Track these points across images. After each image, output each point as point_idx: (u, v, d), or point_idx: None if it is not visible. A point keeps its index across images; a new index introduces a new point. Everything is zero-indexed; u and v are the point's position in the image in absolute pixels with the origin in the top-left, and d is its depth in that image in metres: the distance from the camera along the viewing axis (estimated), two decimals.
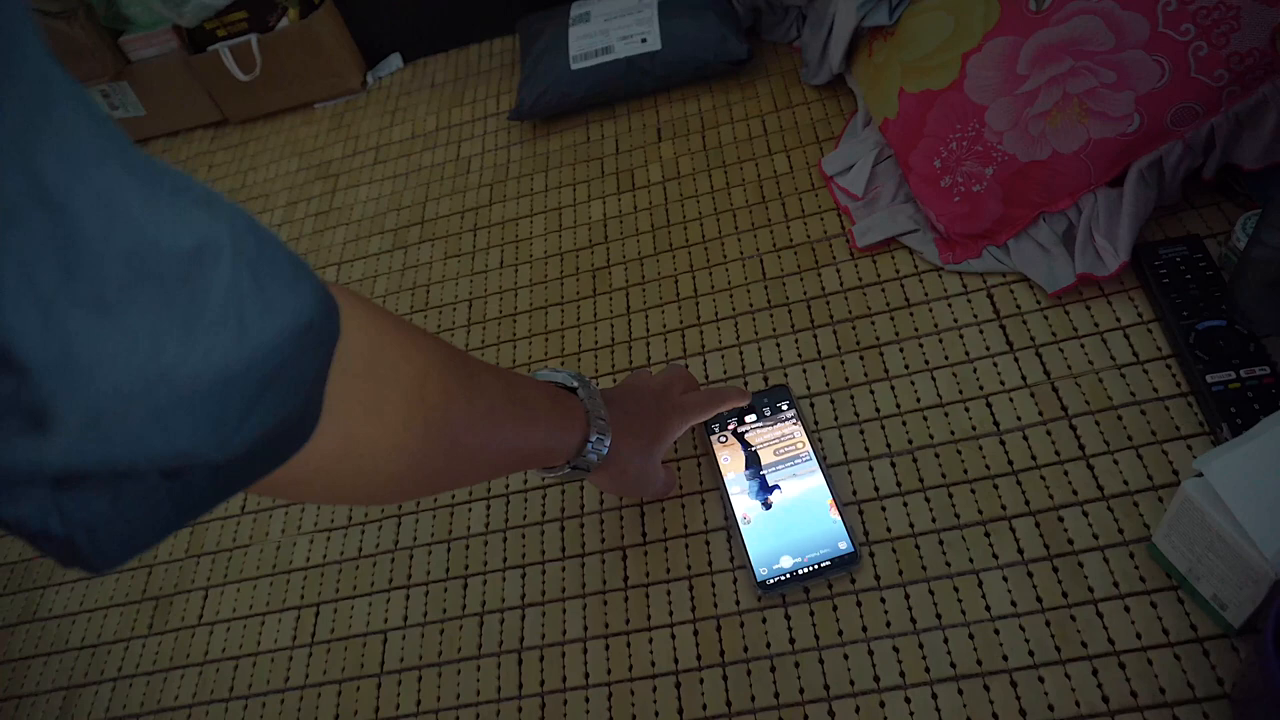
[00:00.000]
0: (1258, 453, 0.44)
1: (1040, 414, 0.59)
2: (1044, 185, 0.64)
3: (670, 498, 0.63)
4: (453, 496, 0.69)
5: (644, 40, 0.92)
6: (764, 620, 0.56)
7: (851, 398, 0.64)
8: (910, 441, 0.61)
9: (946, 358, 0.64)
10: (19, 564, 0.77)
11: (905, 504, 0.58)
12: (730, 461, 0.62)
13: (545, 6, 1.04)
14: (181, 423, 0.25)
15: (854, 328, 0.68)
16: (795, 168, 0.82)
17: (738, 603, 0.57)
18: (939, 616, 0.53)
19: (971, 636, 0.52)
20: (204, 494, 0.28)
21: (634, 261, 0.80)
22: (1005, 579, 0.53)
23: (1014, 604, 0.52)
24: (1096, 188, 0.63)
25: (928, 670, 0.52)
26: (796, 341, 0.69)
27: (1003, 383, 0.62)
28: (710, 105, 0.92)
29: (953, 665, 0.51)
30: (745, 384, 0.68)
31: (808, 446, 0.61)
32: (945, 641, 0.52)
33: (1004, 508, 0.56)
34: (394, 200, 0.97)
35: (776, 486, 0.60)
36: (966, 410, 0.61)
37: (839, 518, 0.58)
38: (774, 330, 0.70)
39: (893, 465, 0.60)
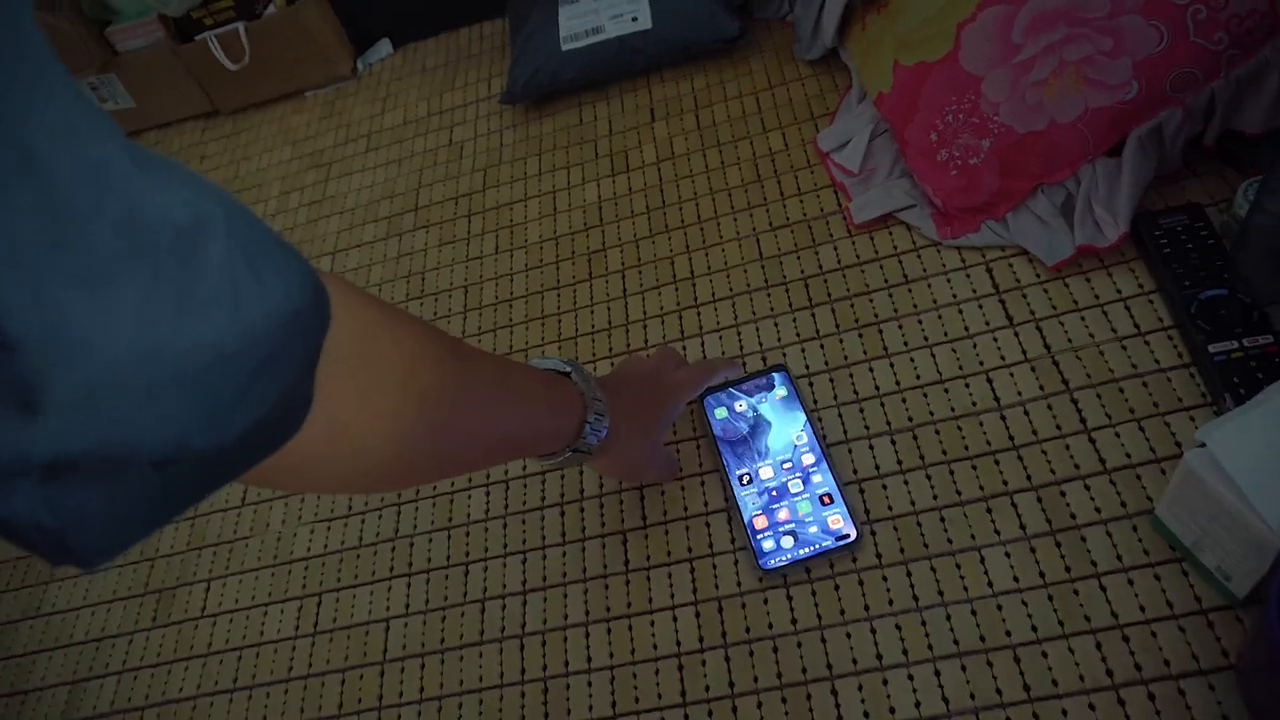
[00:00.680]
0: (1261, 422, 0.44)
1: (1041, 388, 0.59)
2: (1042, 156, 0.63)
3: (670, 481, 0.63)
4: (452, 484, 0.69)
5: (634, 19, 0.90)
6: (765, 601, 0.56)
7: (851, 376, 0.64)
8: (910, 419, 0.60)
9: (946, 334, 0.64)
10: (21, 560, 0.77)
11: (906, 482, 0.58)
12: (730, 443, 0.62)
13: None
14: (173, 404, 0.24)
15: (852, 305, 0.68)
16: (790, 145, 0.81)
17: (739, 584, 0.57)
18: (941, 594, 0.53)
19: (974, 613, 0.52)
20: (195, 484, 0.28)
21: (630, 244, 0.79)
22: (1008, 555, 0.53)
23: (1017, 579, 0.52)
24: (1095, 157, 0.62)
25: (931, 648, 0.51)
26: (795, 320, 0.69)
27: (1003, 357, 0.61)
28: (703, 84, 0.91)
29: (956, 642, 0.51)
30: (744, 364, 0.67)
31: (807, 426, 0.61)
32: (948, 619, 0.52)
33: (1006, 483, 0.56)
34: (387, 187, 0.96)
35: (777, 467, 0.60)
36: (967, 386, 0.61)
37: (840, 497, 0.57)
38: (772, 310, 0.70)
39: (893, 443, 0.60)
